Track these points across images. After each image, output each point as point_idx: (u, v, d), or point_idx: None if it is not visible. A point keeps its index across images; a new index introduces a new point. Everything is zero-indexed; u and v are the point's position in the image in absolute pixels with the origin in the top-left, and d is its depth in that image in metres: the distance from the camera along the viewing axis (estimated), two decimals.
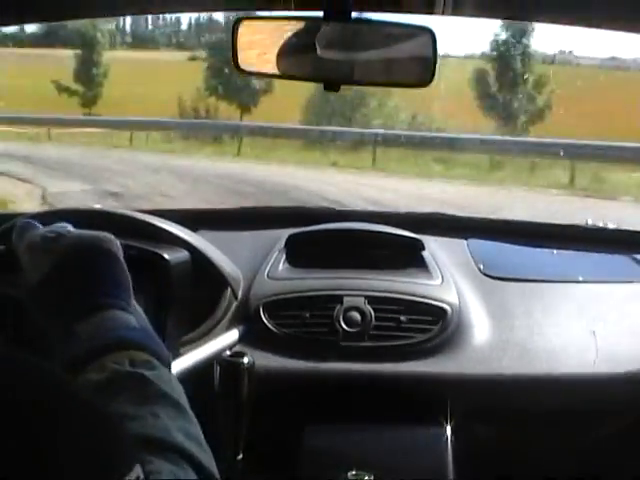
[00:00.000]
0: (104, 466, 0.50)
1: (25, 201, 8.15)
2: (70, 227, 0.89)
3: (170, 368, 0.78)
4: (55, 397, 0.50)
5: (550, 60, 17.17)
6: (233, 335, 1.42)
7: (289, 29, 1.16)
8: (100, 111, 18.14)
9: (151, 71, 21.45)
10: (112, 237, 0.87)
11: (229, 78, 15.73)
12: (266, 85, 15.63)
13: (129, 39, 28.33)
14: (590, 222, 1.99)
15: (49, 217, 1.45)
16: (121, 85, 18.51)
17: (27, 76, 18.00)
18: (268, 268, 1.57)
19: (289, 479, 1.34)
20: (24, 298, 0.86)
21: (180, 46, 27.55)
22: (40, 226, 0.91)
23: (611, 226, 1.96)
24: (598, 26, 1.16)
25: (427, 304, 1.46)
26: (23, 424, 0.46)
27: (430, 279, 1.54)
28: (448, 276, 1.56)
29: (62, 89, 18.54)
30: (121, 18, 26.16)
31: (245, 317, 1.46)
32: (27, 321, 1.06)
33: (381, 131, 11.97)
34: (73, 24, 17.91)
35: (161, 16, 26.20)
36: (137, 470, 0.52)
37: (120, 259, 0.86)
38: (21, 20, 1.64)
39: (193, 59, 22.33)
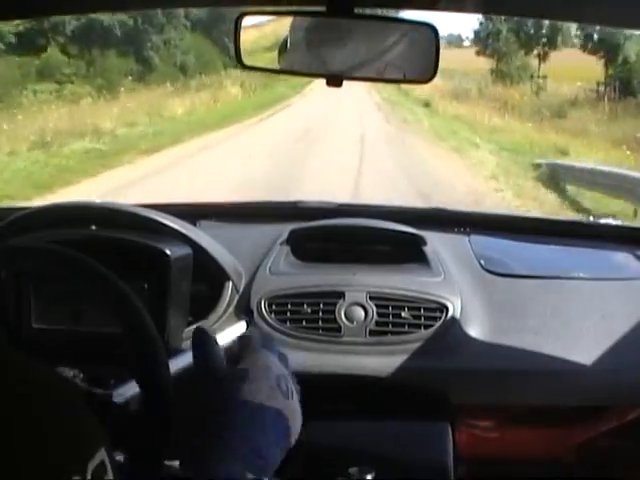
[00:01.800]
0: (66, 449, 0.49)
1: None
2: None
3: None
4: (15, 378, 0.50)
5: None
6: (234, 330, 1.42)
7: (291, 24, 1.16)
8: None
9: None
10: None
11: None
12: None
13: None
14: (592, 219, 1.99)
15: (51, 212, 1.46)
16: None
17: None
18: (270, 263, 1.57)
19: (290, 475, 1.34)
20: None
21: None
22: (277, 353, 0.89)
23: (614, 222, 1.96)
24: (603, 23, 1.15)
25: (429, 300, 1.46)
26: None
27: (432, 275, 1.54)
28: (450, 272, 1.56)
29: None
30: None
31: (247, 312, 1.47)
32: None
33: None
34: None
35: None
36: (102, 454, 0.52)
37: None
38: (25, 14, 1.63)
39: None
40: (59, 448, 0.49)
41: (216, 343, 0.87)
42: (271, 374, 0.84)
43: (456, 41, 38.56)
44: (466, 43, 36.01)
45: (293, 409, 0.85)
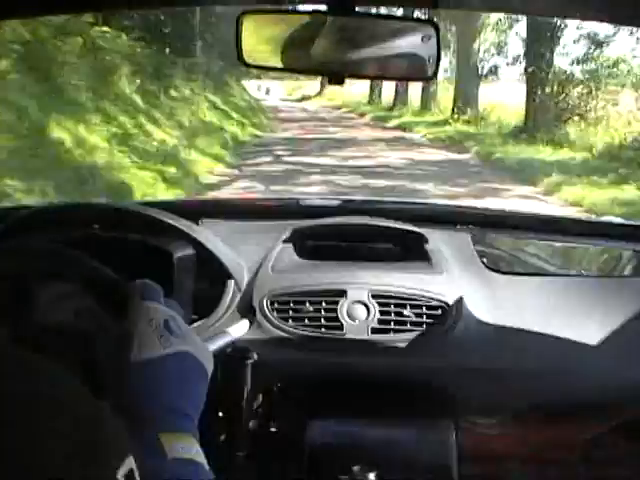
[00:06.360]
0: (94, 459, 0.49)
1: None
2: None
3: None
4: (41, 389, 0.50)
5: None
6: (237, 329, 1.42)
7: (293, 22, 1.16)
8: None
9: None
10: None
11: None
12: None
13: None
14: (594, 217, 1.98)
15: (53, 212, 1.46)
16: None
17: None
18: (272, 261, 1.57)
19: (293, 475, 1.35)
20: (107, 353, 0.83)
21: None
22: (161, 299, 0.86)
23: (615, 220, 1.96)
24: (603, 20, 1.15)
25: (430, 298, 1.46)
26: (9, 417, 0.46)
27: (433, 273, 1.53)
28: (452, 270, 1.56)
29: None
30: None
31: (249, 311, 1.47)
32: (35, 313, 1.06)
33: None
34: None
35: None
36: (129, 462, 0.51)
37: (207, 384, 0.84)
38: (26, 14, 1.63)
39: None
40: (88, 457, 0.48)
41: None
42: (155, 322, 0.81)
43: None
44: None
45: (192, 342, 0.83)
